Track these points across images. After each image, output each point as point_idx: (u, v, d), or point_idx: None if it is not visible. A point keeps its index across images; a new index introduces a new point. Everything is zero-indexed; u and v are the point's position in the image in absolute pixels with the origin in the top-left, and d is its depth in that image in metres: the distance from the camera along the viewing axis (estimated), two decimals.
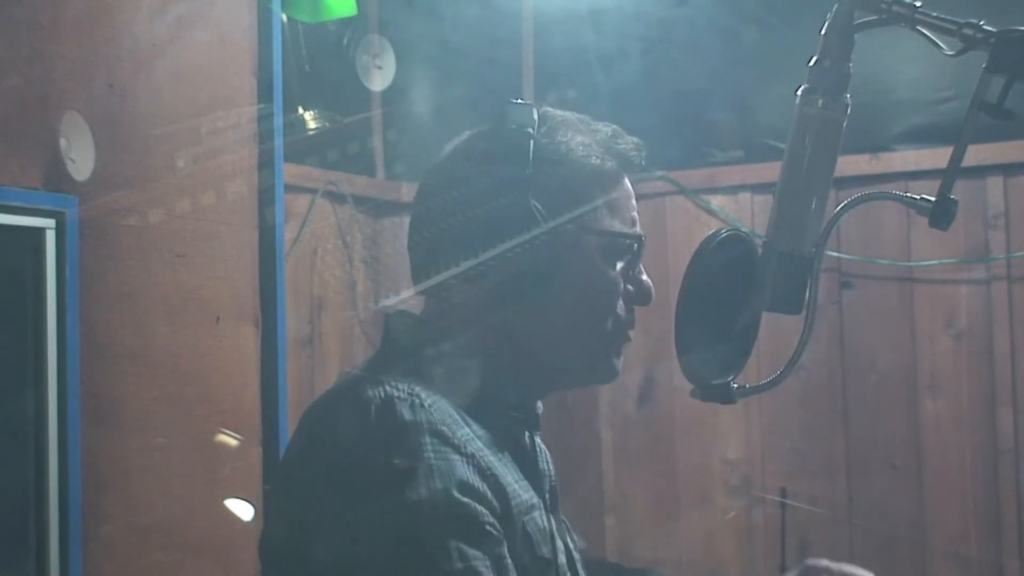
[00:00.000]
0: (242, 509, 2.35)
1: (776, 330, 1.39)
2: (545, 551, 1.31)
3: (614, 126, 1.43)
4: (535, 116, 1.36)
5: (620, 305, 1.38)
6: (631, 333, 1.41)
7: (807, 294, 1.28)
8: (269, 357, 2.43)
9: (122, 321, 2.12)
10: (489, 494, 1.23)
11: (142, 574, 2.15)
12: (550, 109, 1.40)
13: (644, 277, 1.41)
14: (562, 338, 1.37)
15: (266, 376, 2.43)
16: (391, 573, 1.17)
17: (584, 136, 1.38)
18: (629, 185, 1.42)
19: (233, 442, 2.35)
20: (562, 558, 1.36)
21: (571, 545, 1.43)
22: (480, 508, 1.21)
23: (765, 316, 1.29)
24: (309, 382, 3.25)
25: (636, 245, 1.39)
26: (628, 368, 4.31)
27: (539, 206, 1.31)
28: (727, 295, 1.26)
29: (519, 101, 1.38)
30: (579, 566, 1.41)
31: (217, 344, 2.33)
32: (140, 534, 2.14)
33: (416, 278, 1.39)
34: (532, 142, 1.34)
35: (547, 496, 1.40)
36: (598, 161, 1.37)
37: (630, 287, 1.39)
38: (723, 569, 3.77)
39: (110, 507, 2.08)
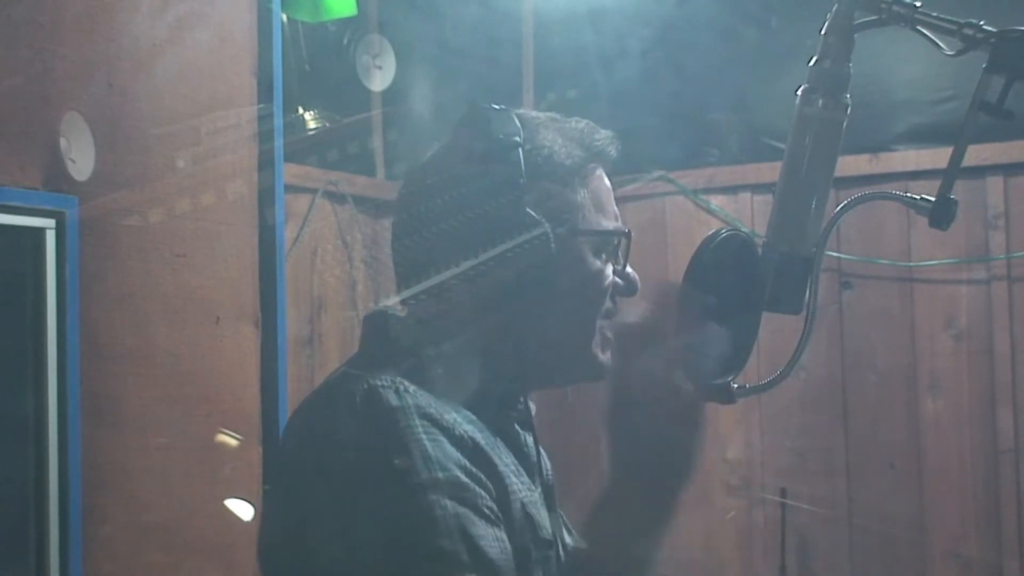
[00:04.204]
0: (242, 509, 2.35)
1: (776, 330, 1.39)
2: (545, 533, 1.32)
3: (586, 121, 1.43)
4: (518, 123, 1.37)
5: (608, 299, 1.40)
6: (609, 333, 1.41)
7: (807, 294, 1.28)
8: (269, 357, 2.44)
9: (122, 321, 2.12)
10: (483, 476, 1.24)
11: (142, 574, 2.15)
12: (523, 111, 1.41)
13: (629, 270, 1.43)
14: (556, 336, 1.38)
15: (266, 376, 2.43)
16: (397, 560, 1.17)
17: (561, 136, 1.39)
18: (607, 179, 1.43)
19: (233, 442, 2.35)
20: (561, 551, 1.36)
21: (567, 541, 1.43)
22: (478, 489, 1.22)
23: (765, 316, 1.29)
24: (309, 382, 3.25)
25: (621, 240, 1.41)
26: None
27: (534, 213, 1.32)
28: (727, 295, 1.26)
29: (497, 107, 1.38)
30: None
31: (217, 344, 2.33)
32: (140, 534, 2.14)
33: (402, 283, 1.40)
34: (521, 151, 1.34)
35: (541, 492, 1.40)
36: (578, 160, 1.39)
37: (618, 280, 1.41)
38: (723, 569, 3.77)
39: (110, 507, 2.08)
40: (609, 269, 1.40)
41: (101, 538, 2.05)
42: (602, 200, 1.40)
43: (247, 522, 2.35)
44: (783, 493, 3.61)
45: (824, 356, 3.62)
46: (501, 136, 1.34)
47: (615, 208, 1.43)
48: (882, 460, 3.60)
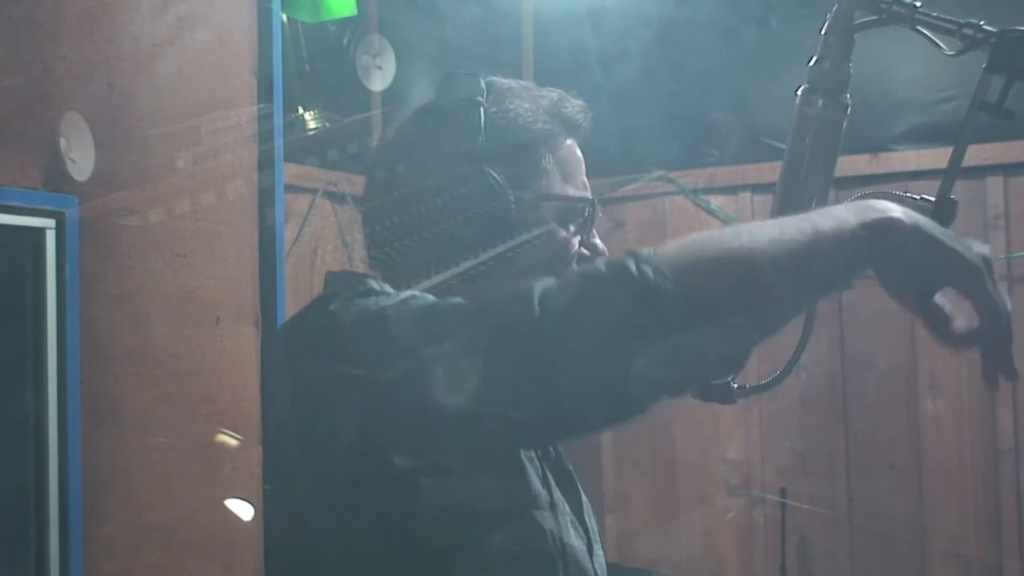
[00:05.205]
0: (242, 509, 2.35)
1: None
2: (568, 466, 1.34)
3: (559, 91, 1.42)
4: (483, 85, 1.37)
5: (574, 269, 1.39)
6: None
7: None
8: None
9: (122, 321, 2.12)
10: None
11: (142, 574, 2.15)
12: (495, 78, 1.41)
13: (597, 240, 1.41)
14: None
15: None
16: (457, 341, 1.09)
17: (530, 103, 1.38)
18: (578, 150, 1.42)
19: (233, 442, 2.35)
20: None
21: (567, 467, 1.44)
22: None
23: None
24: None
25: (589, 209, 1.40)
26: None
27: (494, 174, 1.31)
28: None
29: (464, 72, 1.38)
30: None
31: (217, 344, 2.33)
32: (140, 534, 2.14)
33: (368, 243, 1.38)
34: (482, 111, 1.34)
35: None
36: (546, 127, 1.38)
37: (585, 251, 1.40)
38: (723, 569, 3.77)
39: (110, 507, 2.08)
40: (576, 239, 1.38)
41: (101, 538, 2.05)
42: (570, 169, 1.39)
43: (247, 522, 2.35)
44: (783, 493, 3.61)
45: (824, 356, 3.62)
46: (463, 96, 1.35)
47: (585, 179, 1.41)
48: (882, 460, 3.60)
